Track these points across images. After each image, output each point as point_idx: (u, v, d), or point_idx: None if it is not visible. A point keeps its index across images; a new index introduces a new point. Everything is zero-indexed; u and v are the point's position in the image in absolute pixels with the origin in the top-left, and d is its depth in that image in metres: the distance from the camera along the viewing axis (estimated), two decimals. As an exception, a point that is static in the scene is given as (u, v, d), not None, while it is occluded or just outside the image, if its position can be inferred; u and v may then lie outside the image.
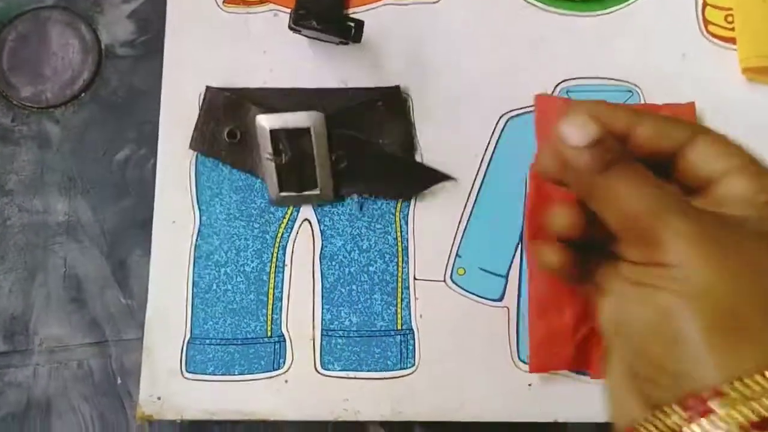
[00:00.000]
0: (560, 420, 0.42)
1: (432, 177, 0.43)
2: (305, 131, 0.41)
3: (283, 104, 0.43)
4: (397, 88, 0.44)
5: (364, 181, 0.43)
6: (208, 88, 0.44)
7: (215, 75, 0.45)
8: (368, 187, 0.43)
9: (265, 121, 0.41)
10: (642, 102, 0.45)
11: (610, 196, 0.31)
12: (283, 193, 0.42)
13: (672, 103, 0.43)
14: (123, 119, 0.47)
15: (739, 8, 0.46)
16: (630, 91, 0.46)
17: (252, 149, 0.43)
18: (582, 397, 0.42)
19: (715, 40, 0.46)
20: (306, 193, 0.42)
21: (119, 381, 0.44)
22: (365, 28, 0.43)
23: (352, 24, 0.41)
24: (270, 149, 0.41)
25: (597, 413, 0.42)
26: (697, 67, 0.46)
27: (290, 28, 0.40)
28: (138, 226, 0.45)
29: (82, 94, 0.47)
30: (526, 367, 0.41)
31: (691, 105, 0.43)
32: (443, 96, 0.45)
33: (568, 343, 0.40)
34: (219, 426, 0.44)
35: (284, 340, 0.42)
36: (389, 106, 0.44)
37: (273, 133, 0.41)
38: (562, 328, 0.40)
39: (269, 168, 0.42)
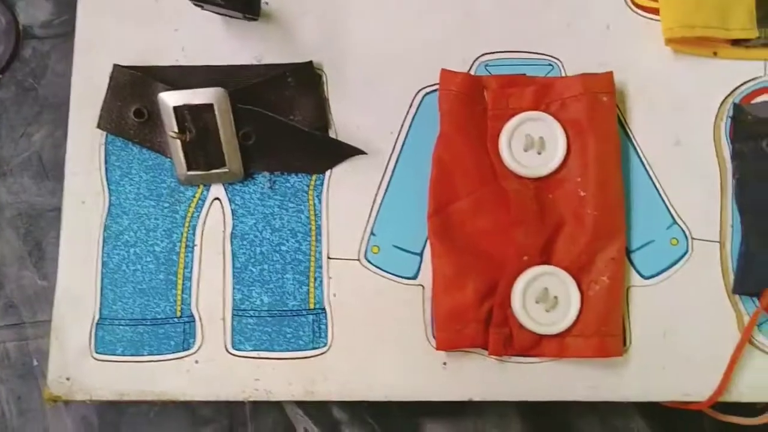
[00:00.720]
0: (475, 399, 0.41)
1: (342, 151, 0.42)
2: (209, 107, 0.41)
3: (194, 82, 0.43)
4: (309, 63, 0.43)
5: (274, 157, 0.42)
6: (114, 66, 0.43)
7: (127, 55, 0.44)
8: (279, 164, 0.42)
9: (168, 99, 0.41)
10: (563, 74, 0.44)
11: None
12: (191, 172, 0.42)
13: (589, 73, 0.42)
14: (40, 100, 0.46)
15: (662, -23, 0.44)
16: (551, 65, 0.45)
17: (160, 128, 0.42)
18: (496, 376, 0.41)
19: (641, 11, 0.45)
20: (214, 171, 0.42)
21: (35, 363, 0.44)
22: (282, 4, 0.42)
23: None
24: (175, 127, 0.41)
25: (511, 392, 0.41)
26: (622, 39, 0.45)
27: (194, 3, 0.40)
28: (54, 207, 0.44)
29: (0, 76, 0.47)
30: (439, 345, 0.41)
31: (609, 75, 0.42)
32: (360, 72, 0.45)
33: (471, 320, 0.40)
34: (134, 406, 0.43)
35: (194, 321, 0.41)
36: (301, 82, 0.43)
37: (176, 110, 0.41)
38: (465, 305, 0.40)
39: (175, 146, 0.41)
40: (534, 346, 0.40)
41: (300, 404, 0.43)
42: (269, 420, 0.43)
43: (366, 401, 0.42)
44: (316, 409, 0.43)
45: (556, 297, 0.40)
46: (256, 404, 0.43)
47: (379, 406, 0.43)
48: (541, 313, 0.40)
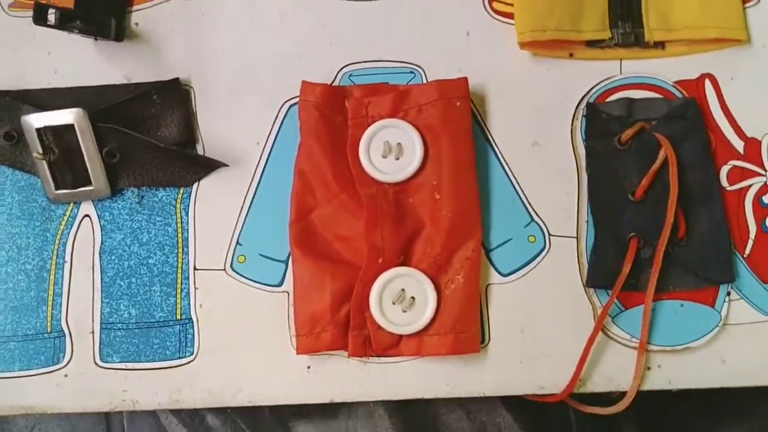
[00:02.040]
0: (336, 400, 0.42)
1: (205, 164, 0.43)
2: (70, 128, 0.42)
3: (63, 103, 0.44)
4: (175, 80, 0.44)
5: (141, 173, 0.43)
6: (-17, 91, 0.44)
7: (2, 79, 0.46)
8: (145, 179, 0.44)
9: (31, 121, 0.42)
10: (425, 81, 0.45)
11: None
12: (59, 191, 0.43)
13: (443, 80, 0.43)
14: None
15: (515, -18, 0.46)
16: (412, 72, 0.46)
17: (29, 150, 0.43)
18: (359, 377, 0.42)
19: (499, 17, 0.46)
20: (81, 189, 0.43)
21: None
22: (151, 24, 0.43)
23: (112, 20, 0.41)
24: (39, 148, 0.42)
25: (373, 392, 0.42)
26: (482, 44, 0.46)
27: (36, 23, 0.41)
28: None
29: None
30: (301, 350, 0.42)
31: (463, 80, 0.43)
32: (226, 85, 0.46)
33: (329, 323, 0.40)
34: (12, 422, 0.44)
35: (64, 335, 0.43)
36: (167, 99, 0.44)
37: (39, 131, 0.42)
38: (323, 310, 0.41)
39: (42, 167, 0.42)
40: (393, 346, 0.41)
41: (174, 413, 0.44)
42: (145, 429, 0.44)
43: (239, 407, 0.43)
44: (190, 417, 0.44)
45: (413, 298, 0.41)
46: (132, 414, 0.43)
47: (252, 412, 0.44)
48: (398, 314, 0.41)
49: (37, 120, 0.42)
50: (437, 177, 0.42)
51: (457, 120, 0.43)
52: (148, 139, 0.43)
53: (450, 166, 0.42)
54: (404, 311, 0.41)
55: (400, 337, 0.41)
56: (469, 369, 0.42)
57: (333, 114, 0.43)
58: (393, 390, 0.42)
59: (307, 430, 0.43)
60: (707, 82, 0.45)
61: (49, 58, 0.46)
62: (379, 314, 0.41)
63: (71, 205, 0.44)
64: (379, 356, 0.42)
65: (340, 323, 0.41)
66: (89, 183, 0.43)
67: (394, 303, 0.41)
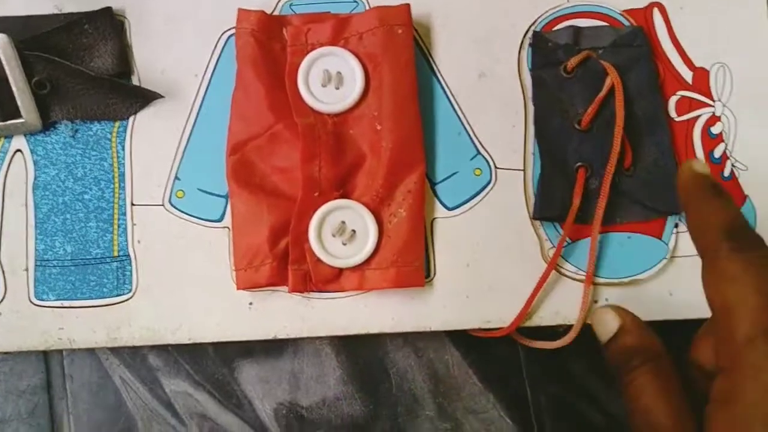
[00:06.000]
0: (279, 336, 0.41)
1: (140, 96, 0.42)
2: (-6, 56, 0.40)
3: (-9, 33, 0.42)
4: (107, 9, 0.43)
5: (74, 105, 0.42)
6: None
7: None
8: (79, 112, 0.42)
9: (-47, 49, 0.40)
10: (366, 9, 0.44)
11: (633, 404, 0.33)
12: (-13, 124, 0.41)
13: (384, 6, 0.42)
14: None
15: None
16: (355, 1, 0.44)
17: (-45, 81, 0.41)
18: (302, 313, 0.41)
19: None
20: (11, 122, 0.41)
21: None
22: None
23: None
24: (-37, 78, 0.40)
25: (316, 328, 0.41)
26: (429, -29, 0.44)
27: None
28: None
29: None
30: (243, 286, 0.41)
31: (405, 7, 0.42)
32: (162, 16, 0.44)
33: (267, 256, 0.39)
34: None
35: (-4, 273, 0.41)
36: (99, 29, 0.42)
37: (-38, 60, 0.40)
38: (260, 243, 0.40)
39: (-32, 98, 0.41)
40: (333, 279, 0.40)
41: (116, 353, 0.43)
42: (86, 370, 0.43)
43: (181, 347, 0.42)
44: (132, 357, 0.43)
45: (354, 231, 0.40)
46: (72, 355, 0.42)
47: (195, 352, 0.43)
48: (339, 247, 0.40)
49: (-40, 49, 0.40)
50: (378, 107, 0.41)
51: (399, 48, 0.42)
52: (80, 68, 0.41)
53: (391, 96, 0.41)
54: (344, 244, 0.40)
55: (341, 270, 0.40)
56: (415, 304, 0.41)
57: (270, 42, 0.42)
58: (336, 325, 0.41)
59: (251, 369, 0.42)
60: (656, 11, 0.44)
61: (-25, -14, 0.44)
62: (318, 247, 0.40)
63: (2, 139, 0.43)
64: (320, 291, 0.41)
65: (279, 256, 0.40)
66: (19, 115, 0.41)
67: (334, 236, 0.40)
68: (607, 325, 0.37)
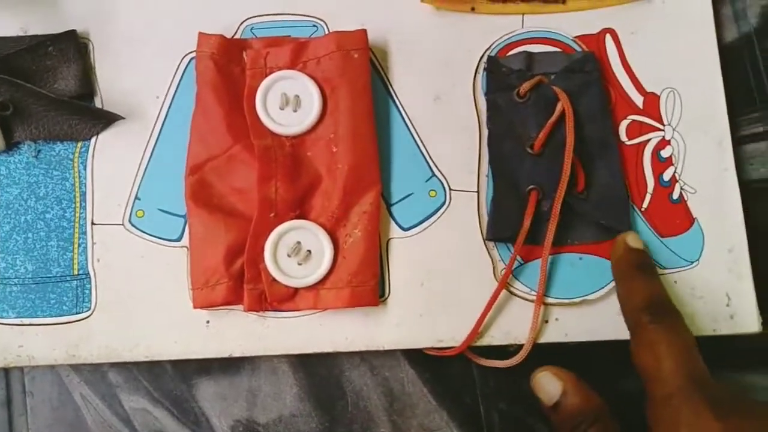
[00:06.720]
0: (235, 354, 0.42)
1: (102, 117, 0.43)
2: (-43, 78, 0.41)
3: (-44, 55, 0.43)
4: (71, 32, 0.44)
5: (36, 127, 0.43)
6: None
7: None
8: (42, 133, 0.43)
9: None
10: (326, 33, 0.45)
11: None
12: (-50, 144, 0.42)
13: (342, 31, 0.43)
14: None
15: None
16: (315, 26, 0.45)
17: None
18: (257, 331, 0.42)
19: (403, -32, 0.46)
20: (-27, 142, 0.42)
21: None
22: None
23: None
24: (-73, 100, 0.41)
25: (272, 346, 0.42)
26: (386, -1, 0.45)
27: None
28: None
29: None
30: (200, 305, 0.41)
31: (361, 32, 0.43)
32: (125, 38, 0.45)
33: (223, 276, 0.40)
34: None
35: (-43, 291, 0.42)
36: (63, 51, 0.43)
37: (-74, 82, 0.41)
38: (216, 263, 0.40)
39: (-69, 119, 0.41)
40: (288, 299, 0.41)
41: (76, 371, 0.43)
42: (46, 387, 0.43)
43: (141, 364, 0.43)
44: (92, 374, 0.43)
45: (309, 251, 0.41)
46: (33, 373, 0.43)
47: (155, 369, 0.43)
48: (294, 267, 0.41)
49: (-77, 71, 0.41)
50: (334, 130, 0.42)
51: (355, 72, 0.43)
52: (42, 90, 0.42)
53: (347, 119, 0.42)
54: (300, 264, 0.41)
55: (296, 290, 0.41)
56: (369, 323, 0.42)
57: (230, 65, 0.43)
58: (292, 344, 0.42)
59: (209, 387, 0.43)
60: (608, 37, 0.45)
61: (-58, 9, 0.45)
62: (273, 267, 0.41)
63: (-35, 159, 0.43)
64: (275, 310, 0.42)
65: (235, 276, 0.40)
66: (-19, 136, 0.42)
67: (289, 256, 0.41)
68: (550, 390, 0.38)
